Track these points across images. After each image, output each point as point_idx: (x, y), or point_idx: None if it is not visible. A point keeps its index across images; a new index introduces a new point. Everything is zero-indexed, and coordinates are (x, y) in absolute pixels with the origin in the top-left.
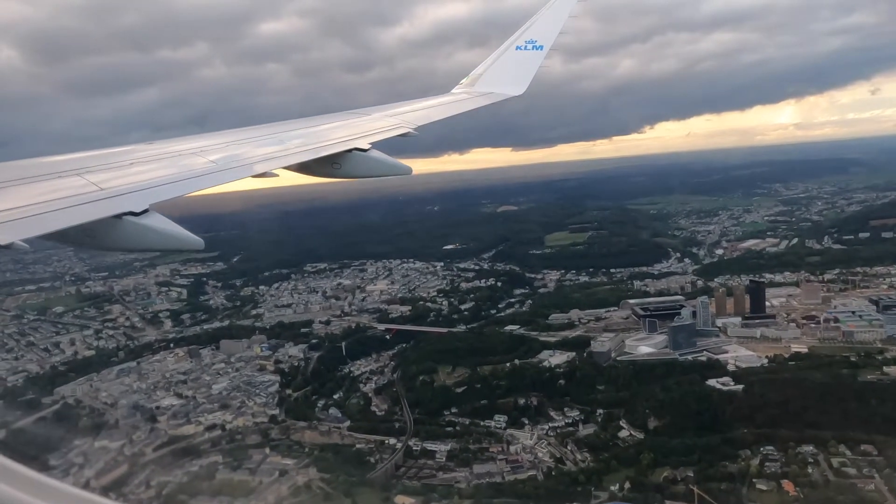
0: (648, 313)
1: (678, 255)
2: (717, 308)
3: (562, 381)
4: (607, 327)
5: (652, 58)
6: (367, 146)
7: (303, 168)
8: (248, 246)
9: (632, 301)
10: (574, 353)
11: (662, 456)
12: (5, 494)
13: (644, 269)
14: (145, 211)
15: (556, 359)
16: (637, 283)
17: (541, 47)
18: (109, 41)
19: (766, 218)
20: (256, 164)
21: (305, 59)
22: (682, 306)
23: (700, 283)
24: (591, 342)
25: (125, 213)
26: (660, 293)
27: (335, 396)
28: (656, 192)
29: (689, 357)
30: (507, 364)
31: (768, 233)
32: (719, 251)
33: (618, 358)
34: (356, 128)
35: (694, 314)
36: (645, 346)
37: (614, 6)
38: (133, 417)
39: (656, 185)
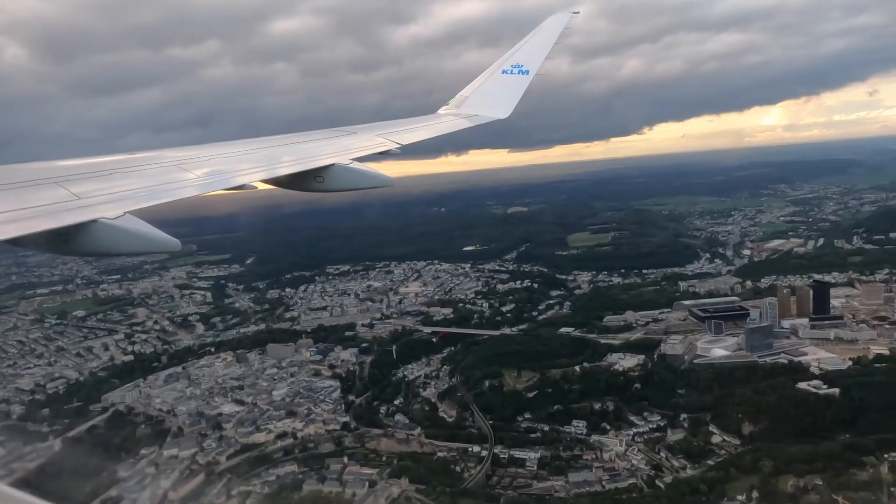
0: (710, 315)
1: (707, 255)
2: (780, 309)
3: (637, 385)
4: (668, 329)
5: (658, 59)
6: (348, 161)
7: (284, 182)
8: (259, 248)
9: (686, 302)
10: (643, 356)
11: (783, 463)
12: None
13: (676, 270)
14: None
15: (627, 362)
16: (682, 285)
17: (527, 72)
18: (121, 38)
19: (781, 218)
20: (237, 176)
21: (314, 58)
22: (741, 307)
23: (748, 284)
24: (661, 345)
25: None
26: (709, 294)
27: (396, 402)
28: (661, 193)
29: (768, 359)
30: (577, 368)
31: (789, 233)
32: (746, 252)
33: (694, 361)
34: (340, 145)
35: (760, 315)
36: (719, 349)
37: (630, 5)
38: (198, 425)
39: (660, 187)
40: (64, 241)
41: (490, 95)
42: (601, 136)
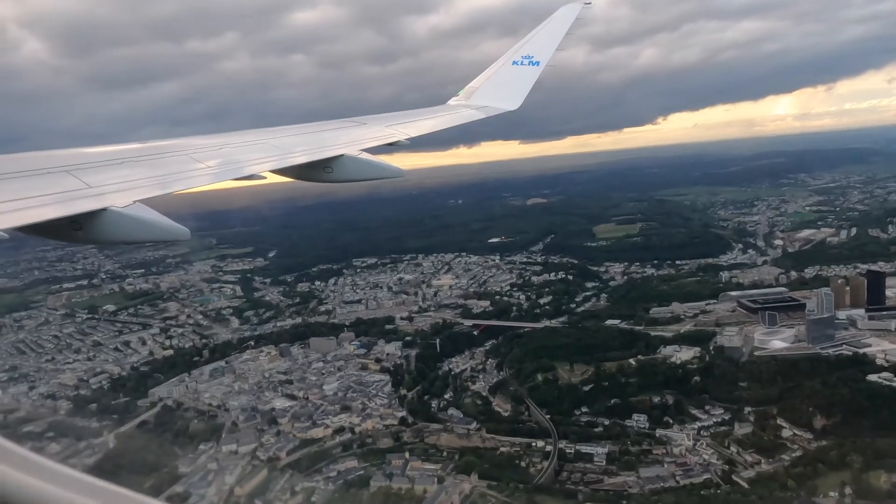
0: (762, 306)
1: (740, 246)
2: (835, 300)
3: (697, 378)
4: (718, 321)
5: (676, 47)
6: (357, 152)
7: (294, 172)
8: (280, 242)
9: (733, 293)
10: (698, 349)
11: (872, 458)
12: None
13: (710, 260)
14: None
15: (684, 354)
16: (723, 275)
17: (537, 63)
18: (142, 31)
19: (807, 208)
20: (247, 166)
21: (330, 50)
22: (791, 298)
23: (792, 274)
24: (717, 337)
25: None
26: (753, 285)
27: (446, 396)
28: (679, 183)
29: (830, 351)
30: (632, 361)
31: (818, 222)
32: (777, 242)
33: (754, 353)
34: (349, 135)
35: (817, 306)
36: (777, 341)
37: None
38: (253, 420)
39: (676, 177)
40: (75, 229)
41: (500, 86)
42: (615, 126)
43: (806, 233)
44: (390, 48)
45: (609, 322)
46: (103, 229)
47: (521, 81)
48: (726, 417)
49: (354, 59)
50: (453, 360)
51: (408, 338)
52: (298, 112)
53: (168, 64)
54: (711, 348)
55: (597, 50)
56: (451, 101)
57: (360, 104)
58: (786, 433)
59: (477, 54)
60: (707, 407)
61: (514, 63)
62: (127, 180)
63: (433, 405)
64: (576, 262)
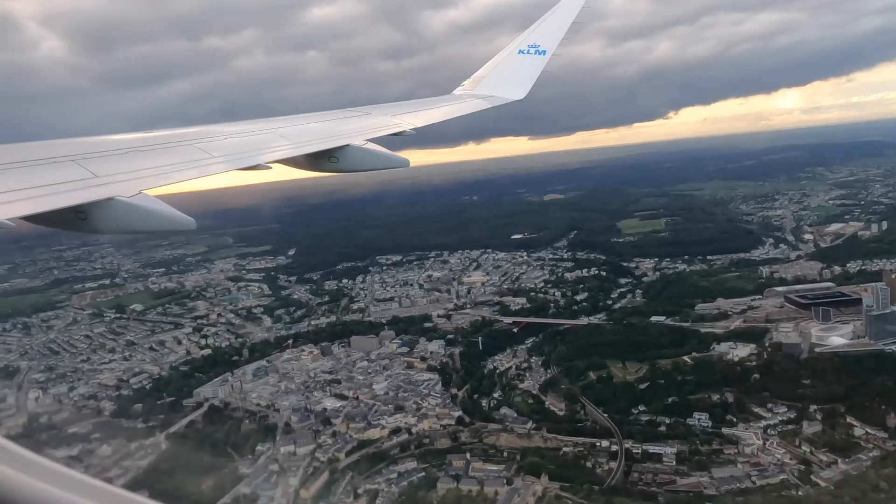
0: (813, 301)
1: (771, 240)
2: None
3: (756, 376)
4: (769, 317)
5: (691, 41)
6: (362, 142)
7: (299, 162)
8: (298, 239)
9: (779, 289)
10: (753, 346)
11: None
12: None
13: (742, 255)
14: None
15: (740, 351)
16: (764, 271)
17: (543, 52)
18: (161, 28)
19: (830, 202)
20: (252, 156)
21: (346, 46)
22: (841, 293)
23: (835, 269)
24: (773, 333)
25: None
26: (796, 280)
27: (495, 395)
28: (694, 178)
29: (894, 348)
30: (686, 358)
31: (845, 216)
32: (807, 236)
33: (815, 350)
34: (354, 125)
35: (874, 302)
36: (837, 337)
37: None
38: (307, 421)
39: (690, 172)
40: (81, 218)
41: (506, 76)
42: (625, 121)
43: (835, 227)
44: (407, 44)
45: (654, 319)
46: (109, 219)
47: (528, 71)
48: (791, 416)
49: (370, 56)
50: (496, 357)
51: (449, 336)
52: (312, 108)
53: (184, 61)
54: (767, 345)
55: (612, 44)
56: (457, 91)
57: (373, 101)
58: (857, 432)
59: (491, 49)
60: (769, 405)
61: (521, 52)
62: (132, 169)
63: (483, 404)
64: (603, 258)
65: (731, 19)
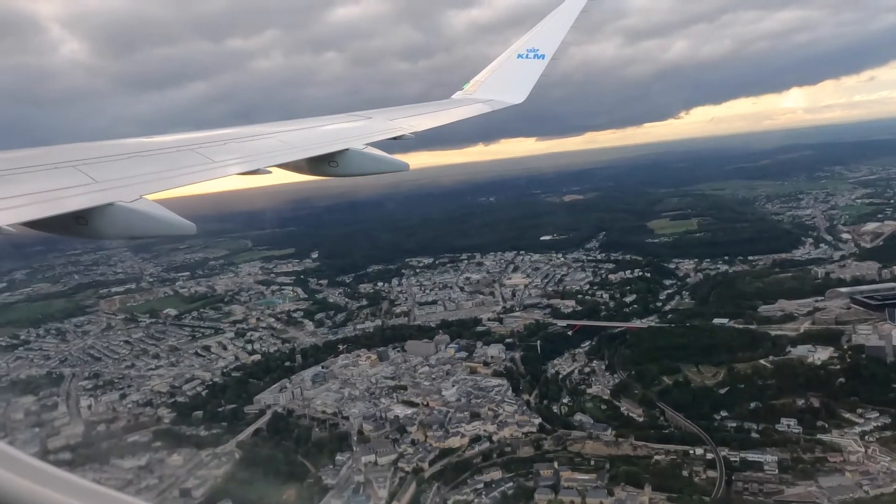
0: (883, 302)
1: (811, 240)
2: None
3: (841, 380)
4: (838, 319)
5: (708, 39)
6: (363, 146)
7: (299, 167)
8: (320, 242)
9: (843, 290)
10: (832, 348)
11: None
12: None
13: (784, 255)
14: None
15: (820, 354)
16: (818, 271)
17: (542, 56)
18: (185, 30)
19: (857, 200)
20: (252, 161)
21: (365, 46)
22: None
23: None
24: (851, 335)
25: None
26: (855, 280)
27: (564, 400)
28: (712, 177)
29: None
30: (763, 361)
31: (878, 215)
32: (845, 236)
33: None
34: (354, 129)
35: None
36: None
37: None
38: (382, 429)
39: (707, 171)
40: (81, 224)
41: (505, 80)
42: (637, 121)
43: (871, 226)
44: (427, 43)
45: (717, 321)
46: (109, 224)
47: (527, 75)
48: (887, 421)
49: (388, 56)
50: (555, 361)
51: (507, 340)
52: (325, 110)
53: (202, 63)
54: (846, 347)
55: (629, 43)
56: (456, 95)
57: (387, 101)
58: None
59: (507, 48)
60: (860, 410)
61: (520, 56)
62: (133, 174)
63: (555, 410)
64: (640, 258)
65: (749, 17)
